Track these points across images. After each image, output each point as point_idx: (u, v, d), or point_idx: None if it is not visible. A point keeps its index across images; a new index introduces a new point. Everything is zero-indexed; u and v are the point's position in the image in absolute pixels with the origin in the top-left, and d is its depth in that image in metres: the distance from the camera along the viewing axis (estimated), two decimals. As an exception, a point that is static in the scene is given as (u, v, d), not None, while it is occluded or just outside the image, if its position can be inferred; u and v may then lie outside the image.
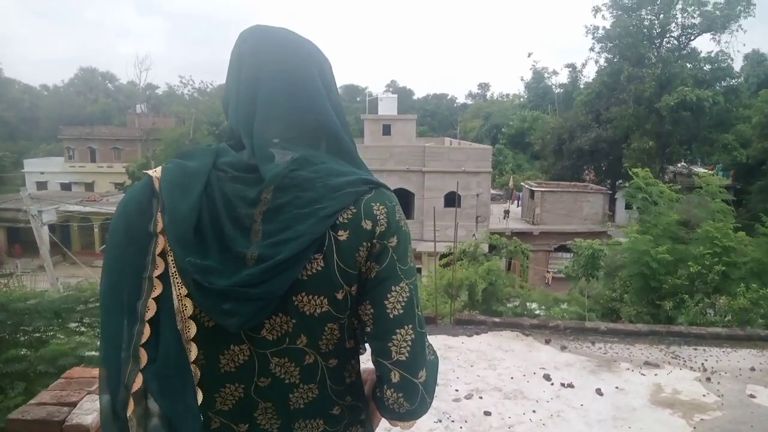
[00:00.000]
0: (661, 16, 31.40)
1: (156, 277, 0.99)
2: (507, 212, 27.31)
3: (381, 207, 1.05)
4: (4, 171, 46.77)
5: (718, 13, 30.03)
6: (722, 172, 32.90)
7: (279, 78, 1.10)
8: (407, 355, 1.05)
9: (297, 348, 1.04)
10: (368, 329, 1.08)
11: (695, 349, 6.03)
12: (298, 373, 1.06)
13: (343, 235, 1.01)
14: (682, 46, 32.93)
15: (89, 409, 2.54)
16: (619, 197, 34.79)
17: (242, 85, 1.12)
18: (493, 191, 30.49)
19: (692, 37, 32.49)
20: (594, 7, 33.88)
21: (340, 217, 1.01)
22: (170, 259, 0.99)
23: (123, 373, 0.99)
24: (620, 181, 36.44)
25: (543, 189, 27.03)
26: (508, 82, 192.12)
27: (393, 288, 1.05)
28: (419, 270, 21.59)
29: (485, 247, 15.56)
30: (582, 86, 51.16)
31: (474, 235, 21.25)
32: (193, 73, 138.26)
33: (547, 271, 25.32)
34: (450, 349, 5.86)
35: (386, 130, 28.97)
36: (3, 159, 48.39)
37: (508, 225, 26.22)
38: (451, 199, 23.66)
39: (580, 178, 36.92)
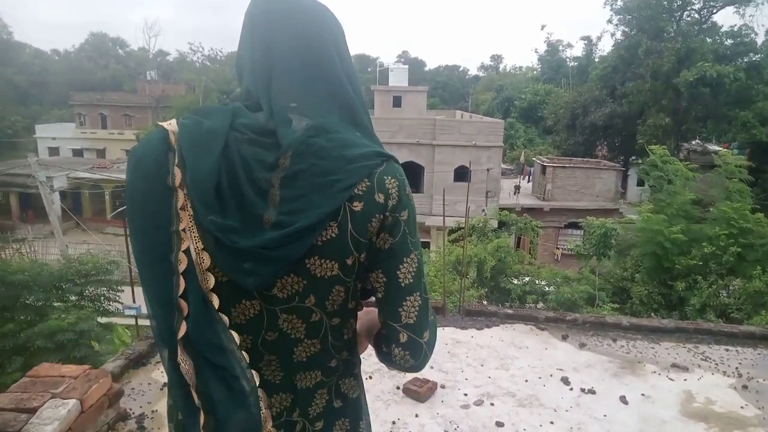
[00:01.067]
0: (683, -13, 30.22)
1: (182, 230, 1.02)
2: (518, 188, 26.89)
3: (393, 180, 1.09)
4: (16, 135, 46.79)
5: (742, -17, 28.84)
6: (738, 150, 32.15)
7: (292, 43, 1.11)
8: (415, 318, 1.13)
9: (305, 306, 1.09)
10: (379, 295, 1.14)
11: (727, 350, 5.49)
12: (304, 329, 1.11)
13: (358, 206, 1.05)
14: (703, 19, 31.72)
15: (49, 418, 2.30)
16: (632, 174, 34.24)
17: (256, 50, 1.13)
18: (503, 166, 30.02)
19: (714, 11, 31.25)
20: (613, -23, 32.64)
21: (356, 189, 1.04)
22: (189, 213, 1.01)
23: (173, 323, 1.04)
24: (633, 157, 35.80)
25: (555, 164, 26.53)
26: (522, 54, 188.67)
27: (405, 259, 1.11)
28: (428, 245, 21.42)
29: (494, 223, 15.29)
30: (597, 60, 50.02)
31: (484, 210, 20.95)
32: (203, 40, 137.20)
33: (557, 248, 25.05)
34: (458, 345, 5.44)
35: (396, 102, 28.45)
36: (15, 123, 48.38)
37: (518, 201, 25.83)
38: (462, 174, 23.29)
39: (592, 154, 36.31)
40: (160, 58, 78.56)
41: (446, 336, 5.60)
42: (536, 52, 64.32)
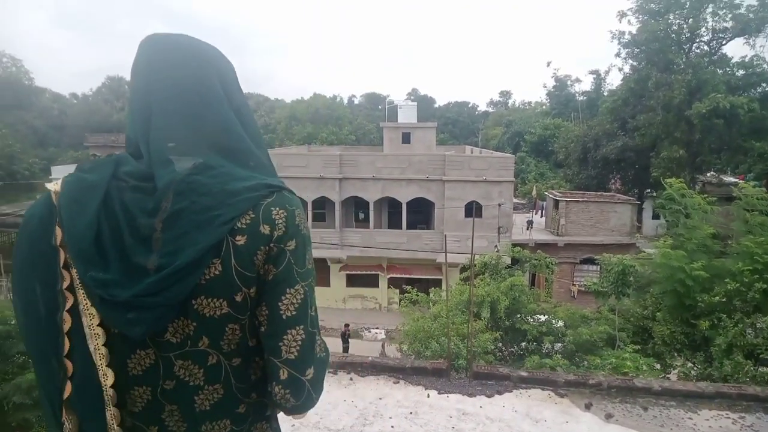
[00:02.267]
0: (690, 20, 30.16)
1: (66, 289, 1.04)
2: (530, 223, 26.45)
3: (280, 211, 1.09)
4: (34, 177, 47.57)
5: (751, 15, 28.65)
6: (754, 181, 31.54)
7: (171, 85, 1.12)
8: (296, 354, 1.09)
9: (199, 350, 1.07)
10: (262, 329, 1.10)
11: (780, 423, 4.72)
12: (202, 374, 1.08)
13: (241, 239, 1.04)
14: (712, 51, 31.64)
15: None
16: (647, 207, 33.68)
17: (136, 94, 1.14)
18: (515, 200, 29.68)
19: (724, 42, 31.14)
20: (619, 11, 32.74)
21: (239, 222, 1.04)
22: (74, 271, 1.02)
23: (57, 383, 1.06)
24: (648, 190, 35.29)
25: (568, 199, 26.13)
26: (530, 90, 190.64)
27: (288, 290, 1.09)
28: (439, 282, 20.92)
29: (507, 260, 14.84)
30: (606, 94, 50.11)
31: (496, 246, 20.52)
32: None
33: (573, 284, 24.40)
34: (465, 417, 4.72)
35: (405, 138, 28.50)
36: (33, 165, 49.23)
37: (531, 236, 25.36)
38: (472, 210, 22.96)
39: (605, 187, 35.93)
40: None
41: (451, 406, 4.94)
42: (545, 87, 64.74)
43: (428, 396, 5.11)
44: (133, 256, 1.00)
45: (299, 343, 1.10)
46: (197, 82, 1.13)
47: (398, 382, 5.41)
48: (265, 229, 1.06)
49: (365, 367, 5.62)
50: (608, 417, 4.75)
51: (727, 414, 4.82)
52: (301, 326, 1.10)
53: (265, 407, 1.21)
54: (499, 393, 5.18)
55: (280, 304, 1.08)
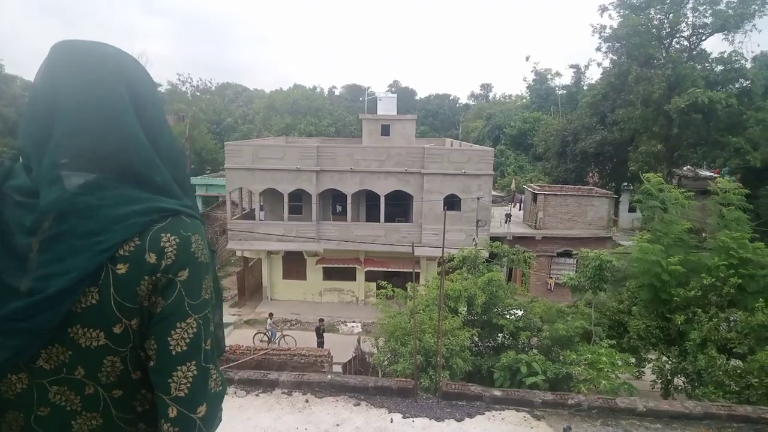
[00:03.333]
0: (671, 15, 30.35)
1: None
2: (509, 216, 26.44)
3: (171, 237, 1.03)
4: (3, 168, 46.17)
5: (731, 11, 28.95)
6: (728, 175, 32.01)
7: (75, 96, 1.05)
8: (186, 391, 1.04)
9: (75, 378, 1.03)
10: (151, 363, 1.05)
11: (774, 445, 4.52)
12: (80, 401, 1.05)
13: (122, 268, 0.99)
14: (692, 46, 31.94)
15: None
16: (623, 200, 34.01)
17: (36, 104, 1.08)
18: (494, 193, 29.66)
19: (703, 37, 31.46)
20: (601, 5, 32.85)
21: (121, 249, 0.99)
22: None
23: None
24: (625, 183, 35.62)
25: (546, 192, 26.19)
26: (511, 83, 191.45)
27: (178, 324, 1.03)
28: (418, 276, 20.78)
29: (485, 254, 14.72)
30: (585, 88, 50.41)
31: (474, 240, 20.43)
32: (192, 71, 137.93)
33: (550, 278, 24.48)
34: None
35: (385, 131, 28.21)
36: (1, 155, 47.80)
37: (509, 229, 25.37)
38: (451, 203, 22.84)
39: (583, 181, 36.19)
40: (153, 89, 78.57)
41: None
42: (525, 80, 65.00)
43: (392, 421, 4.65)
44: (5, 275, 0.97)
45: (190, 379, 1.05)
46: (103, 95, 1.06)
47: (359, 404, 4.94)
48: (151, 258, 1.01)
49: (323, 386, 5.20)
50: None
51: (716, 437, 4.42)
52: (193, 362, 1.05)
53: None
54: (470, 416, 4.75)
55: (169, 339, 1.03)
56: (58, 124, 1.03)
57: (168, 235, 1.03)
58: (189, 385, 1.05)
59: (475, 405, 4.95)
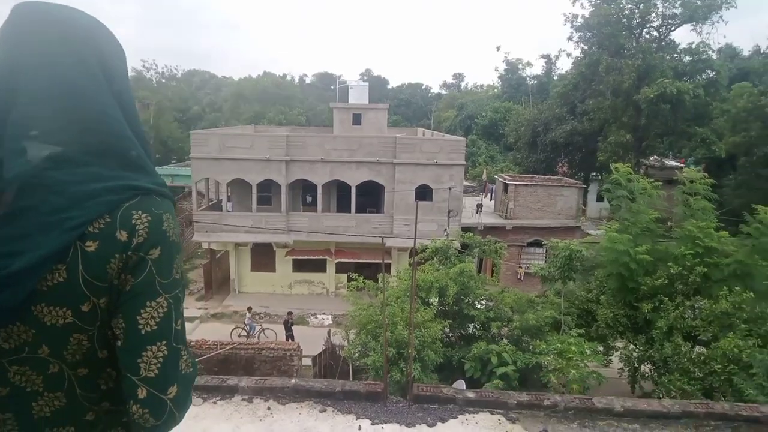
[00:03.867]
0: (642, 5, 30.80)
1: None
2: (480, 206, 26.60)
3: (143, 215, 1.01)
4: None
5: (699, 2, 29.53)
6: (694, 165, 32.82)
7: (42, 64, 1.00)
8: (156, 372, 1.03)
9: (38, 357, 1.01)
10: (119, 343, 1.03)
11: (751, 445, 4.37)
12: (42, 381, 1.03)
13: (91, 245, 0.97)
14: (662, 36, 32.50)
15: None
16: (591, 190, 34.59)
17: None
18: (465, 183, 29.76)
19: (672, 28, 32.03)
20: (573, -6, 33.09)
21: (90, 226, 0.97)
22: None
23: None
24: (594, 173, 36.20)
25: (517, 182, 26.43)
26: (483, 73, 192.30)
27: (148, 303, 1.02)
28: (388, 267, 20.73)
29: (457, 244, 14.73)
30: (556, 78, 50.97)
31: (446, 230, 20.45)
32: (157, 57, 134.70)
33: (519, 267, 24.74)
34: None
35: (356, 120, 27.97)
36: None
37: (480, 219, 25.53)
38: (423, 193, 22.81)
39: (553, 170, 36.64)
40: (115, 75, 76.36)
41: None
42: (497, 70, 65.40)
43: (359, 428, 4.46)
44: None
45: (160, 360, 1.03)
46: (71, 64, 1.02)
47: (325, 411, 4.69)
48: (122, 236, 0.98)
49: (286, 392, 4.92)
50: None
51: (695, 434, 4.34)
52: (164, 342, 1.03)
53: (121, 415, 1.14)
54: (443, 420, 4.57)
55: (139, 318, 1.01)
56: (22, 93, 0.98)
57: (139, 212, 1.01)
58: (159, 365, 1.03)
59: (448, 408, 4.76)
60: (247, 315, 19.10)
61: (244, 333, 18.45)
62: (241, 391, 4.91)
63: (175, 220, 1.08)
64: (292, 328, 18.30)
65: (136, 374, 1.03)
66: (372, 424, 4.52)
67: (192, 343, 15.18)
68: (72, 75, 1.01)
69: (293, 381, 5.06)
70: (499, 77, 65.42)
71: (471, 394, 4.93)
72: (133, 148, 1.06)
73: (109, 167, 1.01)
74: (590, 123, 33.32)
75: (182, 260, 1.12)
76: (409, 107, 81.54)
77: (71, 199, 0.95)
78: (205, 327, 20.33)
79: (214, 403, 4.77)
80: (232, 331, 18.62)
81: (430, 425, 4.48)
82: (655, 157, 34.46)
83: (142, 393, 1.03)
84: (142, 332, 1.02)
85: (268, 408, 4.71)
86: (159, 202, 1.06)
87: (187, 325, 19.12)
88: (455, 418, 4.61)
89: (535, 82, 58.95)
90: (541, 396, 5.01)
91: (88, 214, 0.95)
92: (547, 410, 4.75)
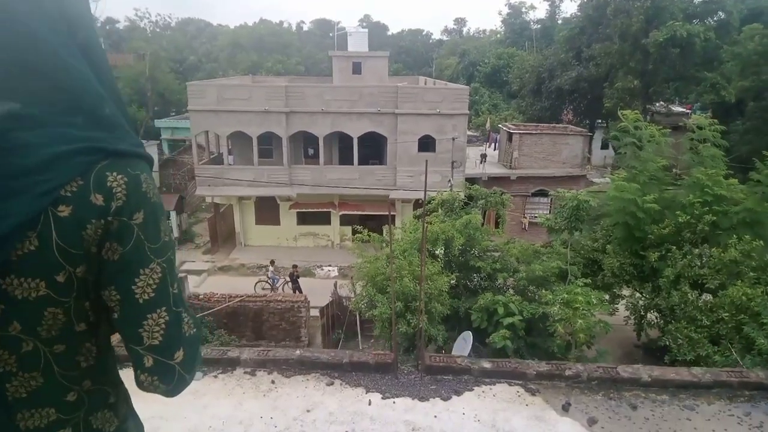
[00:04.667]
0: (652, -59, 29.43)
1: None
2: (484, 156, 26.25)
3: (119, 177, 0.95)
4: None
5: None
6: (700, 111, 32.21)
7: None
8: (161, 338, 1.01)
9: (10, 335, 0.96)
10: (115, 315, 1.00)
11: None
12: (15, 361, 0.98)
13: (64, 210, 0.91)
14: (671, -24, 31.20)
15: None
16: (596, 138, 34.14)
17: None
18: (469, 133, 29.31)
19: (684, -35, 30.72)
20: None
21: (63, 190, 0.91)
22: None
23: None
24: (599, 121, 35.64)
25: (521, 131, 25.99)
26: (485, 18, 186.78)
27: (142, 271, 0.99)
28: (393, 219, 20.66)
29: (463, 196, 14.58)
30: (560, 22, 49.47)
31: (450, 181, 20.27)
32: (150, 5, 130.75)
33: (524, 217, 24.69)
34: None
35: (356, 69, 27.28)
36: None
37: (484, 170, 25.26)
38: (426, 144, 22.48)
39: (558, 118, 36.09)
40: (109, 26, 74.61)
41: (398, 418, 3.96)
42: (500, 14, 63.49)
43: (369, 403, 4.17)
44: None
45: (163, 326, 1.01)
46: (28, 10, 0.92)
47: (333, 384, 4.42)
48: (98, 199, 0.92)
49: (291, 364, 4.64)
50: (591, 423, 3.95)
51: (730, 410, 4.08)
52: (163, 308, 1.01)
53: (106, 395, 1.12)
54: (458, 393, 4.28)
55: (134, 287, 0.98)
56: None
57: (114, 174, 0.95)
58: (162, 332, 1.01)
59: (463, 380, 4.47)
60: (270, 268, 19.15)
61: (267, 286, 18.57)
62: (243, 364, 4.71)
63: (151, 179, 1.03)
64: (298, 280, 18.44)
65: (139, 344, 1.01)
66: (383, 397, 4.26)
67: (200, 297, 15.32)
68: (28, 24, 0.92)
69: (298, 352, 4.82)
70: (502, 21, 63.69)
71: (487, 364, 4.65)
72: (105, 105, 0.98)
73: (79, 127, 0.93)
74: (596, 69, 32.56)
75: (167, 220, 1.07)
76: (410, 55, 79.72)
77: (40, 162, 0.88)
78: (212, 280, 20.51)
79: (215, 377, 4.57)
80: (256, 284, 18.78)
81: (445, 398, 4.23)
82: (662, 103, 33.81)
83: (148, 361, 1.02)
84: (140, 301, 0.99)
85: (272, 381, 4.48)
86: (135, 162, 1.00)
87: (195, 279, 19.56)
88: (471, 390, 4.35)
89: (539, 26, 57.39)
90: (563, 365, 4.74)
91: (59, 178, 0.89)
92: (569, 381, 4.49)
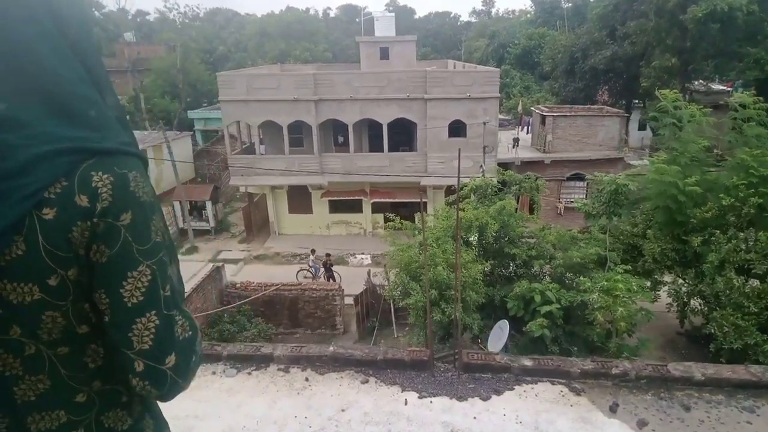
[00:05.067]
0: None
1: None
2: (516, 140, 25.82)
3: (105, 177, 0.93)
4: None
5: None
6: (742, 88, 30.89)
7: None
8: (150, 343, 1.00)
9: (11, 339, 0.96)
10: (106, 318, 0.99)
11: None
12: (20, 364, 0.98)
13: (49, 213, 0.90)
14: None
15: None
16: (633, 118, 33.18)
17: None
18: (500, 117, 28.84)
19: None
20: None
21: (46, 192, 0.89)
22: None
23: None
24: (636, 101, 34.63)
25: (555, 114, 25.41)
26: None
27: (129, 274, 0.97)
28: (425, 205, 20.56)
29: (495, 181, 14.38)
30: (592, 0, 48.04)
31: (482, 167, 20.00)
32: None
33: (559, 202, 24.25)
34: None
35: (384, 54, 27.04)
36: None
37: (517, 154, 24.86)
38: (456, 129, 22.19)
39: (592, 99, 35.19)
40: (140, 18, 75.88)
41: (436, 419, 3.78)
42: (530, -7, 62.04)
43: (406, 403, 4.03)
44: None
45: (152, 331, 0.99)
46: (11, 10, 0.91)
47: (367, 381, 4.30)
48: (82, 200, 0.91)
49: (325, 361, 4.56)
50: (642, 425, 3.71)
51: (795, 412, 3.68)
52: (153, 311, 0.99)
53: (118, 394, 1.11)
54: (497, 392, 4.09)
55: (122, 290, 0.96)
56: None
57: (100, 173, 0.92)
58: (152, 336, 0.99)
59: (503, 378, 4.28)
60: (311, 257, 19.30)
61: (309, 275, 18.76)
62: (276, 360, 4.66)
63: (145, 178, 1.00)
64: (332, 268, 18.54)
65: (129, 348, 0.99)
66: (419, 397, 4.12)
67: (237, 285, 15.58)
68: (12, 25, 0.90)
69: (331, 348, 4.74)
70: (532, 1, 62.24)
71: (528, 362, 4.44)
72: (92, 107, 0.96)
73: (63, 127, 0.92)
74: (632, 47, 31.47)
75: (163, 219, 1.04)
76: (437, 38, 78.79)
77: (21, 164, 0.86)
78: (248, 269, 20.84)
79: (249, 374, 4.54)
80: (298, 272, 19.01)
81: (484, 398, 4.04)
82: (700, 81, 32.59)
83: (139, 366, 1.01)
84: (129, 305, 0.97)
85: (306, 379, 4.40)
86: (123, 160, 0.97)
87: (232, 267, 19.89)
88: (511, 389, 4.16)
89: (571, 5, 55.92)
90: (609, 363, 4.46)
91: (42, 180, 0.87)
92: (615, 379, 4.25)
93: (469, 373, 4.38)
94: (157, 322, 1.00)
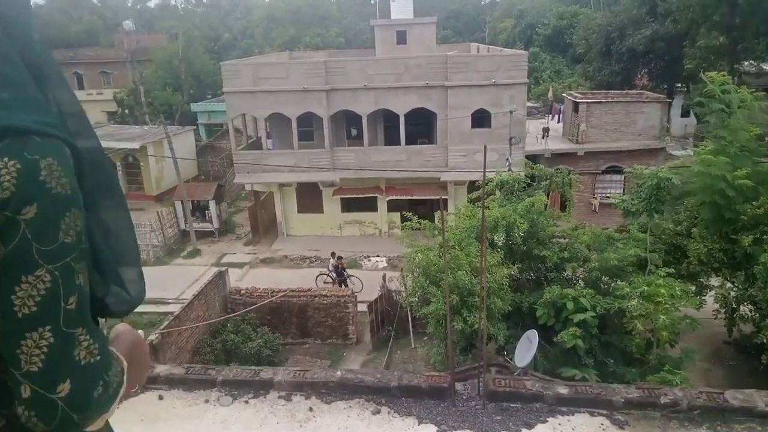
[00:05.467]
0: None
1: None
2: (546, 130, 25.52)
3: (10, 163, 0.88)
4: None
5: None
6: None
7: None
8: (40, 365, 0.92)
9: None
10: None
11: None
12: None
13: None
14: None
15: None
16: (675, 104, 32.63)
17: None
18: (528, 104, 28.57)
19: None
20: None
21: None
22: None
23: None
24: (678, 85, 34.06)
25: (589, 100, 25.08)
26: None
27: (24, 278, 0.90)
28: (445, 204, 20.39)
29: (523, 175, 14.19)
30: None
31: (508, 160, 19.77)
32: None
33: (594, 197, 23.90)
34: None
35: (401, 38, 26.99)
36: None
37: (547, 146, 24.58)
38: (480, 119, 21.98)
39: (630, 83, 34.67)
40: (140, 5, 76.88)
41: None
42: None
43: None
44: None
45: (44, 350, 0.91)
46: None
47: (379, 412, 4.11)
48: None
49: (331, 387, 4.37)
50: None
51: None
52: (47, 327, 0.91)
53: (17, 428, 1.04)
54: (529, 426, 3.84)
55: (13, 297, 0.89)
56: None
57: (5, 159, 0.87)
58: (43, 357, 0.91)
59: (534, 408, 4.04)
60: (331, 261, 19.36)
61: (329, 279, 18.80)
62: (277, 386, 4.49)
63: (63, 165, 0.93)
64: (344, 272, 18.49)
65: (17, 368, 0.92)
66: (438, 430, 3.91)
67: (242, 291, 15.62)
68: None
69: (339, 373, 4.60)
70: (563, -23, 61.60)
71: (563, 389, 4.18)
72: (6, 89, 0.91)
73: None
74: (674, 25, 31.05)
75: (80, 217, 0.96)
76: (459, 19, 78.54)
77: None
78: (254, 273, 20.93)
79: (246, 402, 4.38)
80: (317, 277, 19.12)
81: None
82: (752, 61, 31.93)
83: (25, 391, 0.92)
84: (19, 315, 0.89)
85: (310, 409, 4.23)
86: (38, 144, 0.90)
87: (237, 272, 20.02)
88: (544, 422, 3.91)
89: (606, -21, 55.25)
90: (657, 391, 4.20)
91: None
92: (664, 410, 3.98)
93: (495, 403, 4.15)
94: (51, 339, 0.92)
